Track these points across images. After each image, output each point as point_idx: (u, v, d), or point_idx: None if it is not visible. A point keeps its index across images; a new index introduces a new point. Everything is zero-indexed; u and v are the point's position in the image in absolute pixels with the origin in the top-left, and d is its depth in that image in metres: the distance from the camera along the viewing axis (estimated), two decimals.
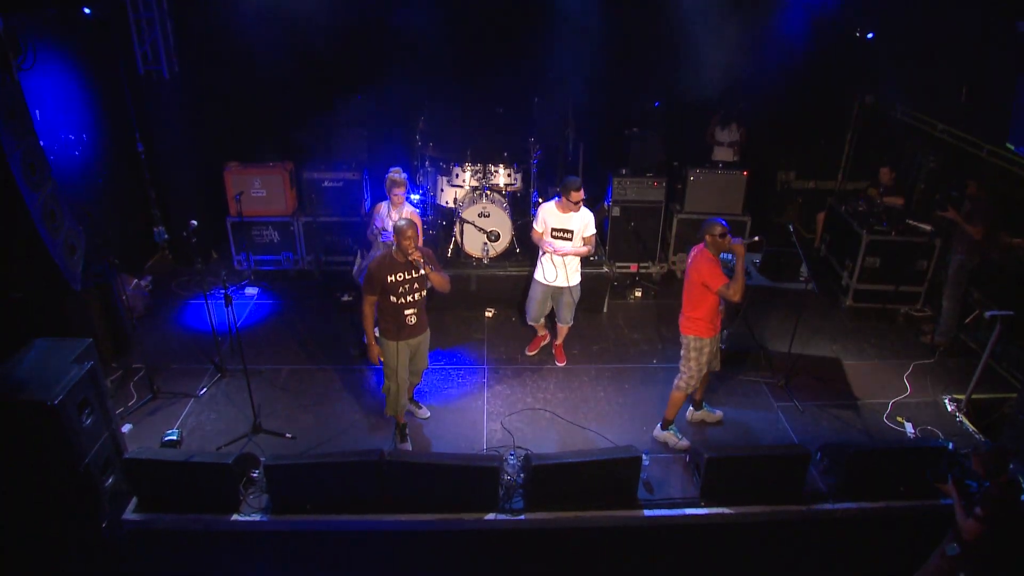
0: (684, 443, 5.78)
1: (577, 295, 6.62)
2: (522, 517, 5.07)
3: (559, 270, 6.48)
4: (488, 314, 7.73)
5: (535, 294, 6.67)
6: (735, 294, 5.08)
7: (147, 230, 8.62)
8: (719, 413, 6.16)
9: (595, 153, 8.89)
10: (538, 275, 6.59)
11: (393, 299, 5.25)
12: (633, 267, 8.48)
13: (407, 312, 5.30)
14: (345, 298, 7.92)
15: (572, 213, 6.32)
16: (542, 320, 6.87)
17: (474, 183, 7.89)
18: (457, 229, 7.63)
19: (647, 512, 5.15)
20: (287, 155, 8.31)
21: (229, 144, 8.37)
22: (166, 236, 8.59)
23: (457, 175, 7.93)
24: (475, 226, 7.52)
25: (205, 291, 6.53)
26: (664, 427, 5.86)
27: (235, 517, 5.03)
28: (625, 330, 7.58)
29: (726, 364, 6.86)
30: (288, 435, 5.85)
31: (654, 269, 8.63)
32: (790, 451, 5.36)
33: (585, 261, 7.77)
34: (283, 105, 8.10)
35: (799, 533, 5.21)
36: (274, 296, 8.09)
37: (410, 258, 5.10)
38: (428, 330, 5.60)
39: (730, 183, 8.17)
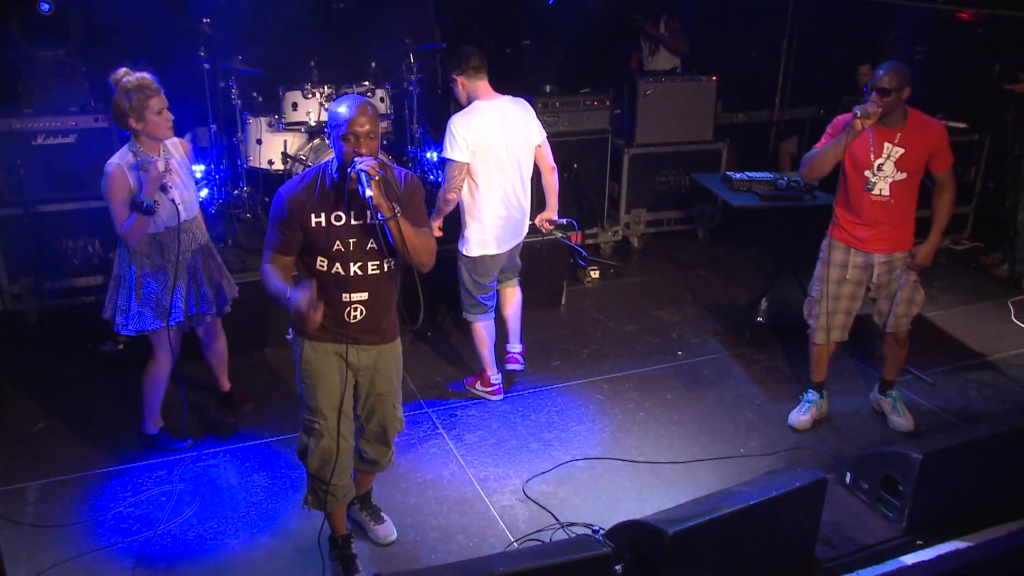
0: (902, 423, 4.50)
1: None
2: None
3: (514, 219, 4.42)
4: None
5: (485, 269, 4.44)
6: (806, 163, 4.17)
7: None
8: (907, 421, 4.47)
9: None
10: (476, 248, 4.36)
11: (321, 265, 2.96)
12: (575, 236, 6.58)
13: (348, 299, 2.99)
14: (109, 347, 5.08)
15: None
16: None
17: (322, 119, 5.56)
18: None
19: None
20: None
21: None
22: None
23: (295, 106, 5.54)
24: None
25: None
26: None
27: None
28: (609, 323, 5.69)
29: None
30: None
31: (603, 238, 6.77)
32: None
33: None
34: None
35: None
36: None
37: (362, 169, 2.72)
38: (397, 345, 3.28)
39: (697, 96, 6.73)
